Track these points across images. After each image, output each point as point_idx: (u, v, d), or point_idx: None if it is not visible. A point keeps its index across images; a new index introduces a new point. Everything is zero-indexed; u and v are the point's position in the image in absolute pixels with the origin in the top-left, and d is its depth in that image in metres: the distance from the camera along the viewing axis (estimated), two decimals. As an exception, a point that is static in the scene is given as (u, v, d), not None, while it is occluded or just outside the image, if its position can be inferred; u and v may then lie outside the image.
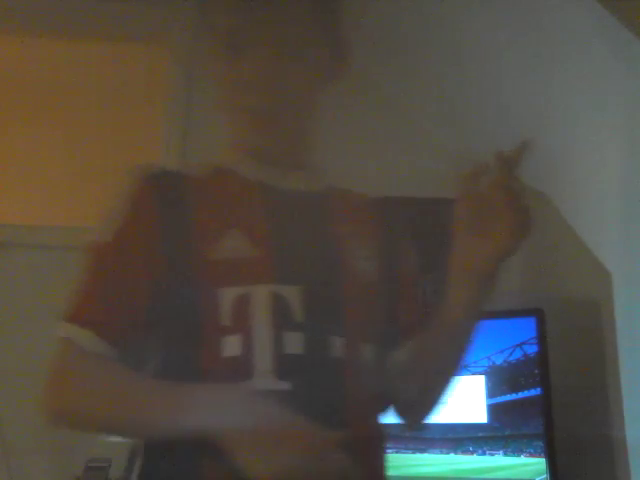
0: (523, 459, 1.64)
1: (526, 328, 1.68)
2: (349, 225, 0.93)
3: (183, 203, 0.88)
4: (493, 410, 1.70)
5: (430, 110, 2.08)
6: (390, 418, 0.98)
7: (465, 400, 1.73)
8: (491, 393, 1.71)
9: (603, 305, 1.60)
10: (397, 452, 1.73)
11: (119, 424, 0.82)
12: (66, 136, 2.14)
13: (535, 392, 1.65)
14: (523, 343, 1.68)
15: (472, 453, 1.71)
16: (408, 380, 0.94)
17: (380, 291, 0.93)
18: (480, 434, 1.71)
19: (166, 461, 0.81)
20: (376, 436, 0.90)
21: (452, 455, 1.72)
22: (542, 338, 1.65)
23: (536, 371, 1.65)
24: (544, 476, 1.60)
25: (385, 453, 0.92)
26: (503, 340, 1.71)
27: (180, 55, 2.18)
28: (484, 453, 1.70)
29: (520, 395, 1.68)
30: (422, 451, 1.73)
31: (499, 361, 1.71)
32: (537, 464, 1.61)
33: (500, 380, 1.70)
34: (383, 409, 0.94)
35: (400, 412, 0.98)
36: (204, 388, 0.79)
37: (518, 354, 1.69)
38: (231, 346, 0.81)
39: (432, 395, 0.97)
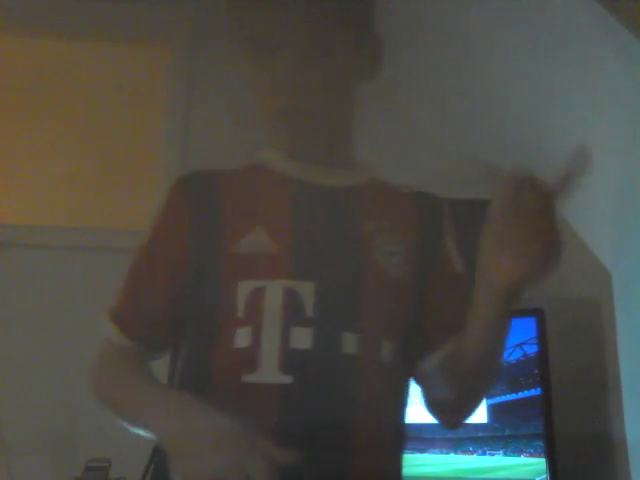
0: (523, 459, 1.64)
1: (526, 328, 1.68)
2: (380, 220, 0.92)
3: (213, 201, 0.91)
4: (493, 410, 1.70)
5: (430, 110, 2.08)
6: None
7: (465, 400, 1.73)
8: (491, 393, 1.71)
9: (603, 305, 1.60)
10: (397, 452, 1.73)
11: (123, 416, 0.86)
12: (66, 136, 2.14)
13: (535, 392, 1.65)
14: (523, 343, 1.68)
15: (472, 453, 1.71)
16: (441, 382, 0.93)
17: (407, 288, 0.92)
18: (480, 434, 1.71)
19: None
20: (389, 435, 0.88)
21: (452, 455, 1.72)
22: (542, 338, 1.65)
23: (536, 371, 1.65)
24: (544, 476, 1.60)
25: (401, 453, 0.91)
26: (503, 340, 1.70)
27: (180, 55, 2.18)
28: (484, 453, 1.70)
29: (520, 395, 1.68)
30: (422, 451, 1.73)
31: (499, 361, 1.71)
32: (537, 464, 1.62)
33: (500, 380, 1.70)
34: (400, 408, 0.92)
35: (435, 412, 0.98)
36: (157, 392, 0.85)
37: (518, 354, 1.69)
38: (242, 338, 0.83)
39: (467, 397, 0.96)
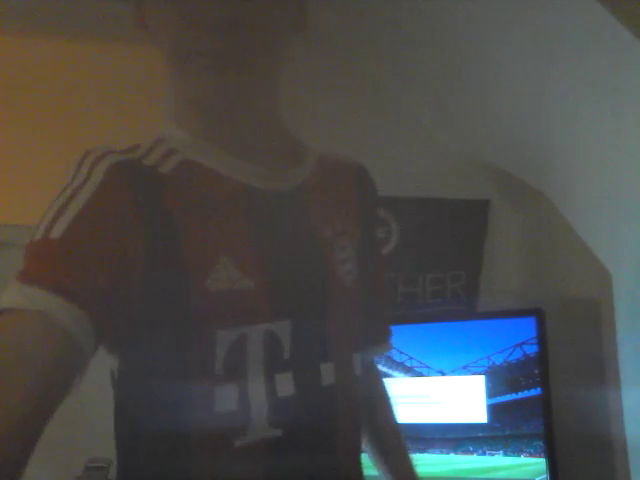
0: (523, 459, 1.64)
1: (526, 328, 1.68)
2: (332, 221, 0.84)
3: (163, 209, 0.72)
4: (493, 410, 1.70)
5: (430, 110, 2.08)
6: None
7: (465, 400, 1.73)
8: (491, 393, 1.71)
9: (603, 305, 1.60)
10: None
11: None
12: (66, 136, 2.14)
13: (535, 392, 1.65)
14: (523, 343, 1.68)
15: (472, 453, 1.71)
16: None
17: (358, 294, 0.86)
18: (480, 434, 1.71)
19: (147, 461, 0.75)
20: (360, 443, 0.88)
21: (452, 455, 1.72)
22: (542, 338, 1.65)
23: (536, 371, 1.65)
24: (544, 476, 1.60)
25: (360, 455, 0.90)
26: (503, 340, 1.71)
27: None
28: (484, 453, 1.70)
29: (520, 395, 1.68)
30: (422, 451, 1.73)
31: (499, 361, 1.71)
32: (537, 464, 1.62)
33: (500, 380, 1.70)
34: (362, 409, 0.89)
35: None
36: None
37: (518, 354, 1.69)
38: (225, 399, 0.71)
39: None
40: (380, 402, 1.02)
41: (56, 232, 0.65)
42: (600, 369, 1.61)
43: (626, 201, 1.42)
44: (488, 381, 1.71)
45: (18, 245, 2.28)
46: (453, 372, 1.74)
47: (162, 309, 0.70)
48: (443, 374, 1.75)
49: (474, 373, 1.73)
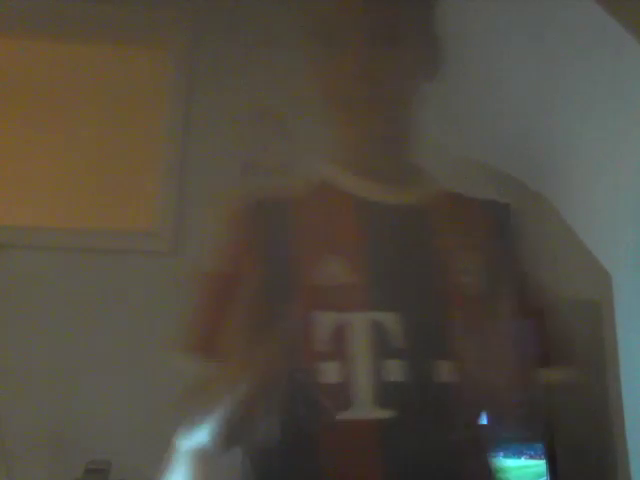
0: (523, 461, 1.64)
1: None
2: (450, 237, 0.89)
3: (286, 227, 0.86)
4: (493, 412, 1.70)
5: (430, 110, 2.08)
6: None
7: (465, 402, 1.73)
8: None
9: (603, 306, 1.60)
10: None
11: None
12: (67, 138, 2.14)
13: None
14: (523, 345, 1.68)
15: (472, 455, 1.70)
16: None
17: (481, 307, 0.87)
18: (480, 436, 1.70)
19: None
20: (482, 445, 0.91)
21: (452, 457, 1.72)
22: (542, 340, 1.65)
23: (536, 373, 1.65)
24: (544, 478, 1.60)
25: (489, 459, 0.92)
26: (503, 342, 1.70)
27: (181, 57, 2.18)
28: (484, 455, 1.69)
29: (520, 397, 1.67)
30: (422, 453, 1.73)
31: (499, 363, 1.70)
32: (537, 466, 1.61)
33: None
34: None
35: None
36: None
37: (518, 356, 1.69)
38: (329, 372, 0.79)
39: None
40: None
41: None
42: (600, 370, 1.61)
43: (625, 203, 1.42)
44: (488, 383, 1.71)
45: (18, 247, 2.27)
46: (453, 374, 1.74)
47: (269, 300, 0.78)
48: (443, 376, 1.75)
49: (474, 375, 1.72)
